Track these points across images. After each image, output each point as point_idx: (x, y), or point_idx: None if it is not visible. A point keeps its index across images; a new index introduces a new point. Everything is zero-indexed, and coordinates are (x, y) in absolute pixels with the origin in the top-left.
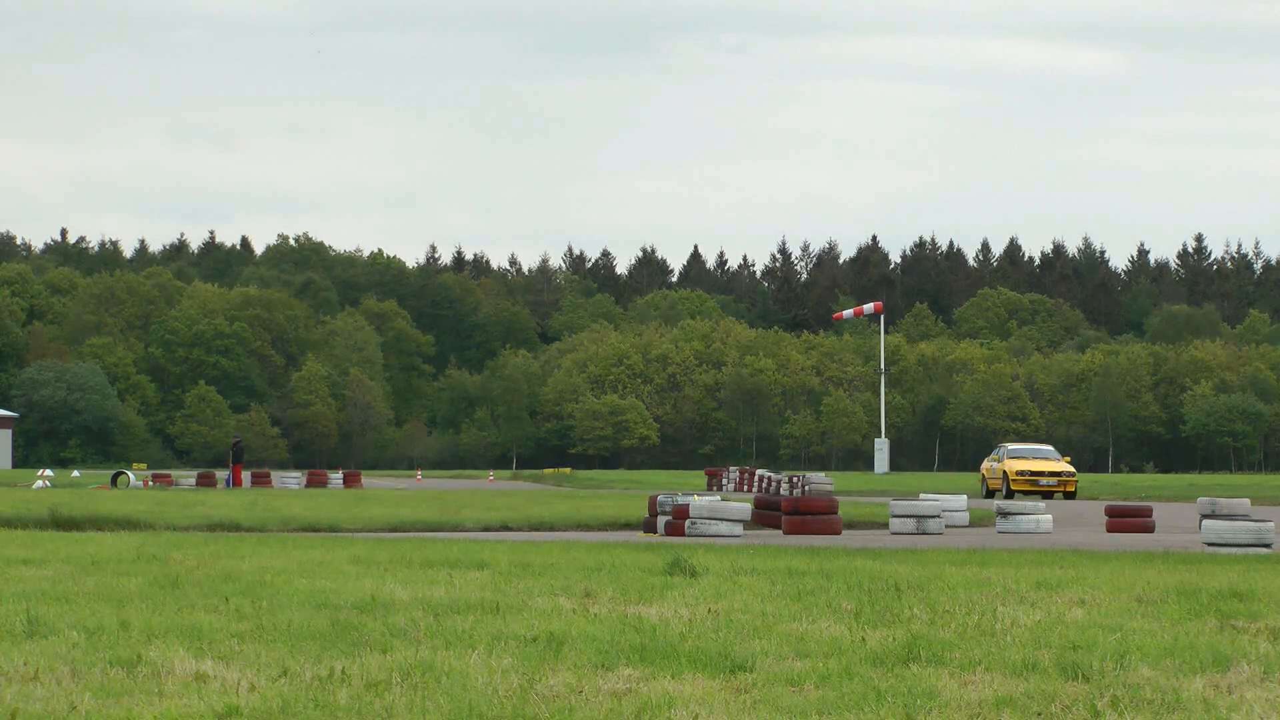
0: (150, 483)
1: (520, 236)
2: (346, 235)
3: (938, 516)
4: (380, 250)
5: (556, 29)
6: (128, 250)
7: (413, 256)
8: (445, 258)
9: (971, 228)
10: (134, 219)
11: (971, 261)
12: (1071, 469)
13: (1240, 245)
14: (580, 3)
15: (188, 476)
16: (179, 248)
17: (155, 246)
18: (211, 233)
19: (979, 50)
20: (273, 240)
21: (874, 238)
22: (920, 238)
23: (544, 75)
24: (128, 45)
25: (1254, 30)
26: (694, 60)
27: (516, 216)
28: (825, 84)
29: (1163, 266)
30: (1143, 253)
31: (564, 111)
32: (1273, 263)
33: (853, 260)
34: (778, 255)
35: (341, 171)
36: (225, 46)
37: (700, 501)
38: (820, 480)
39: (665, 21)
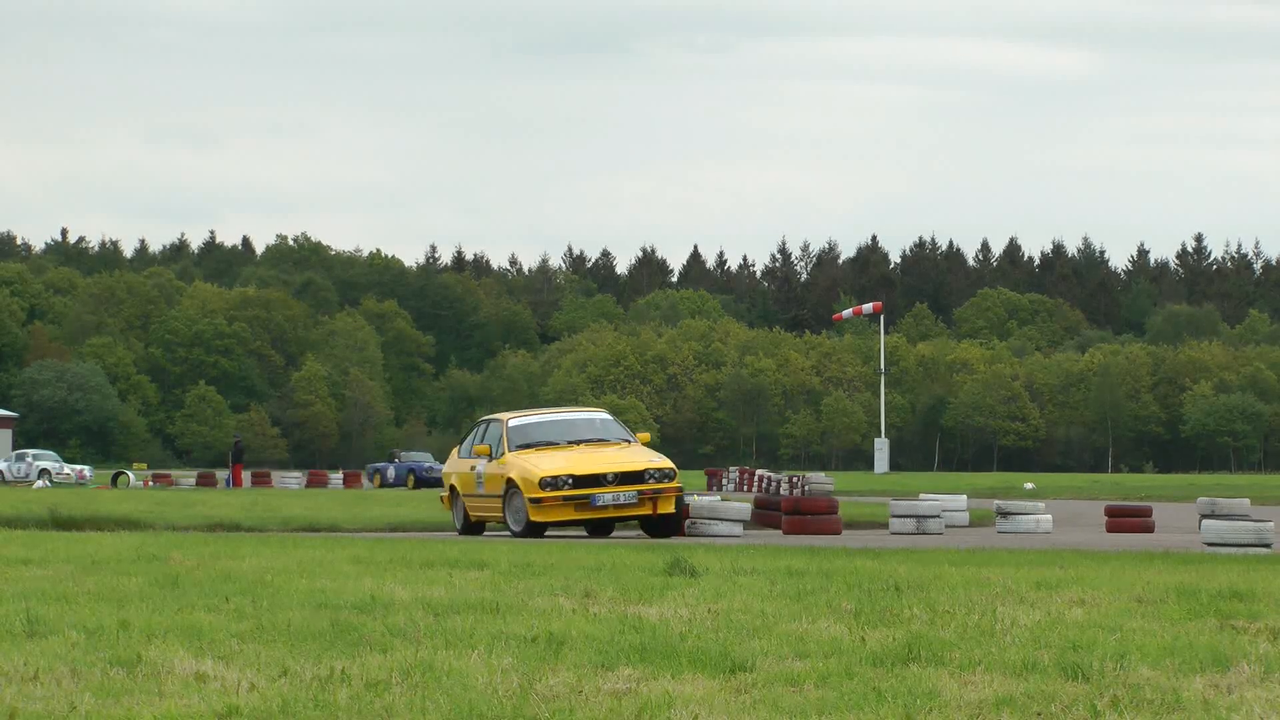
0: (150, 483)
1: (520, 237)
2: (346, 235)
3: (938, 516)
4: (380, 250)
5: (554, 30)
6: (128, 250)
7: (412, 256)
8: (445, 258)
9: (971, 228)
10: (133, 220)
11: (971, 261)
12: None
13: (1240, 245)
14: (578, 3)
15: (188, 476)
16: (179, 248)
17: (155, 246)
18: (212, 233)
19: (979, 51)
20: (272, 240)
21: (874, 238)
22: (920, 238)
23: (542, 76)
24: (123, 47)
25: (1254, 31)
26: (693, 61)
27: (516, 217)
28: (826, 85)
29: (1163, 266)
30: (1143, 253)
31: (564, 112)
32: (1272, 263)
33: (853, 260)
34: (778, 255)
35: (341, 172)
36: (220, 48)
37: (700, 501)
38: (820, 480)
39: (665, 22)
